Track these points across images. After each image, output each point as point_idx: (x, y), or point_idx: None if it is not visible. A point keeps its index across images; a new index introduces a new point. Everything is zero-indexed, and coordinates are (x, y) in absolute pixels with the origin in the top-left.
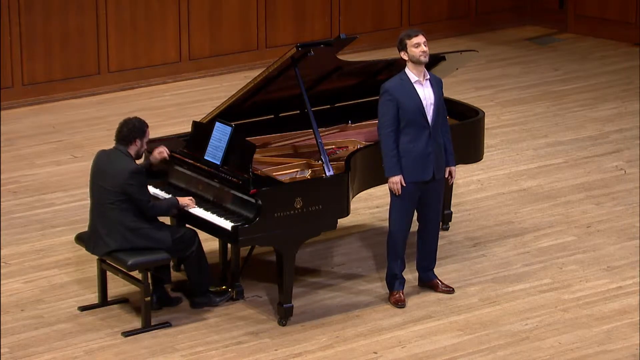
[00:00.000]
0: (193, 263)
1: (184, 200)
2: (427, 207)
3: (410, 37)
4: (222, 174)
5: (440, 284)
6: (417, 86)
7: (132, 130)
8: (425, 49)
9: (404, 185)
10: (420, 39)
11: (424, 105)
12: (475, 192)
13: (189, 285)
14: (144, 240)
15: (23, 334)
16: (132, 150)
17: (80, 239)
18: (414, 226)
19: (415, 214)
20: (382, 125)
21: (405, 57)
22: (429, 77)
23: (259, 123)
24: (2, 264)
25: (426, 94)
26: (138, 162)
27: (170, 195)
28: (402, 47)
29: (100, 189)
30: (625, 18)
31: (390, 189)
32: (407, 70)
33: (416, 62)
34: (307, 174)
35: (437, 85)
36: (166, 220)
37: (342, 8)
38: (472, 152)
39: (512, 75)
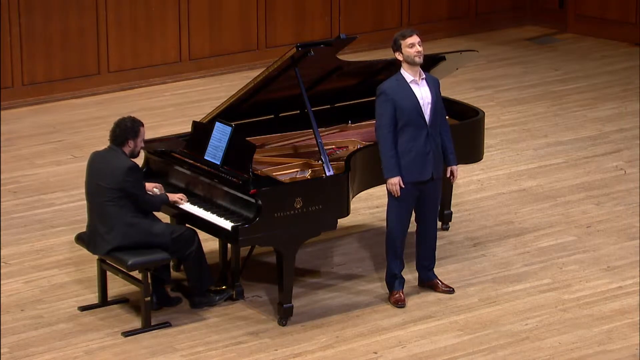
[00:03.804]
0: (193, 263)
1: (174, 197)
2: (425, 206)
3: (404, 37)
4: (222, 174)
5: (440, 284)
6: (413, 86)
7: (124, 131)
8: (419, 49)
9: (403, 186)
10: (415, 39)
11: (421, 104)
12: (475, 192)
13: (189, 285)
14: (142, 235)
15: (23, 334)
16: (127, 150)
17: (80, 239)
18: (413, 226)
19: (414, 214)
20: (380, 126)
21: (400, 57)
22: (424, 76)
23: (259, 123)
24: (2, 264)
25: (423, 93)
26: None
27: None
28: (397, 48)
29: (98, 187)
30: (625, 18)
31: (388, 190)
32: (402, 70)
33: (411, 62)
34: (307, 174)
35: (433, 85)
36: (167, 220)
37: (342, 8)
38: (472, 152)
39: (512, 75)
